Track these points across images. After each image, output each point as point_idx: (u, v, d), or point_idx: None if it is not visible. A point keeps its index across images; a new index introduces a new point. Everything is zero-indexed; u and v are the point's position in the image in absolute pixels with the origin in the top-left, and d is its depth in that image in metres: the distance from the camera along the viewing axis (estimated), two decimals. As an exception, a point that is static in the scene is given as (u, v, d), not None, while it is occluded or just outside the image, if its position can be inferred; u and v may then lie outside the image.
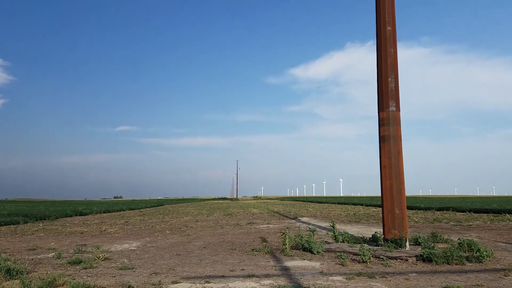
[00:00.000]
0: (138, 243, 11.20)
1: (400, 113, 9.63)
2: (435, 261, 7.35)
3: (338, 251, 8.64)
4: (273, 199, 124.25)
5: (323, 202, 61.24)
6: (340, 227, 15.97)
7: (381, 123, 9.57)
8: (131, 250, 9.80)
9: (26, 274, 6.46)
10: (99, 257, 8.16)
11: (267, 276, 6.29)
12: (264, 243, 10.57)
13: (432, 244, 8.68)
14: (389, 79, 9.57)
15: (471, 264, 7.34)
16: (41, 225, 19.24)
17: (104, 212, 32.68)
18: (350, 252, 8.42)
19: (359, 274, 6.35)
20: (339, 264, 7.40)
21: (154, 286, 5.58)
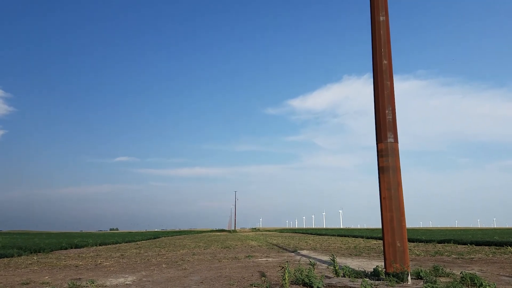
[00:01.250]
0: (134, 277, 10.93)
1: (399, 144, 9.66)
2: (439, 296, 7.17)
3: (339, 286, 8.44)
4: (272, 231, 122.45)
5: (323, 234, 60.37)
6: (340, 260, 15.67)
7: (380, 154, 9.59)
8: (126, 284, 9.54)
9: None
10: (94, 292, 7.93)
11: (266, 312, 6.11)
12: (262, 278, 10.33)
13: (434, 278, 8.48)
14: (387, 111, 9.67)
15: (475, 299, 7.15)
16: (35, 258, 18.82)
17: (100, 245, 32.07)
18: (351, 287, 8.22)
19: (361, 310, 6.17)
20: (340, 300, 7.19)
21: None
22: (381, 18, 10.18)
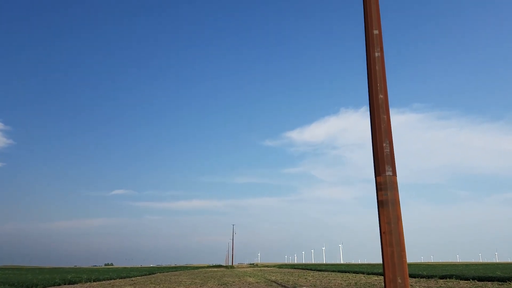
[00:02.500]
0: (128, 316, 10.56)
1: (398, 177, 9.66)
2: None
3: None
4: (270, 266, 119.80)
5: (323, 270, 59.06)
6: (340, 297, 15.24)
7: (379, 188, 9.56)
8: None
9: None
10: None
11: None
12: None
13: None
14: (384, 144, 9.72)
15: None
16: (26, 295, 18.22)
17: (94, 281, 31.23)
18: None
19: None
20: None
21: None
22: (376, 54, 10.44)
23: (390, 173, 9.75)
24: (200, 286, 23.76)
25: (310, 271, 59.34)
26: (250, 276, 39.67)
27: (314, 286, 23.14)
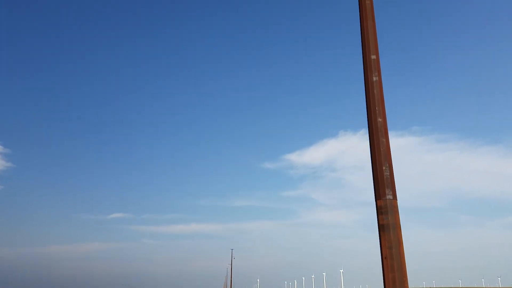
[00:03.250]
0: None
1: (398, 200, 9.61)
2: None
3: None
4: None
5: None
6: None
7: (379, 212, 9.49)
8: None
9: None
10: None
11: None
12: None
13: None
14: (384, 168, 9.72)
15: None
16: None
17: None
18: None
19: None
20: None
21: None
22: (374, 79, 10.57)
23: (391, 197, 9.69)
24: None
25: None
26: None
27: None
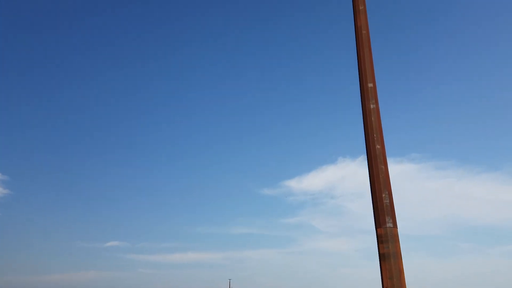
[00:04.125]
0: None
1: (398, 228, 9.48)
2: None
3: None
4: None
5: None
6: None
7: (379, 240, 9.34)
8: None
9: None
10: None
11: None
12: None
13: None
14: (383, 195, 9.64)
15: None
16: None
17: None
18: None
19: None
20: None
21: None
22: (372, 106, 10.65)
23: (391, 225, 9.55)
24: None
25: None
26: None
27: None
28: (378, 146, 10.22)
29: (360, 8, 11.60)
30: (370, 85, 10.89)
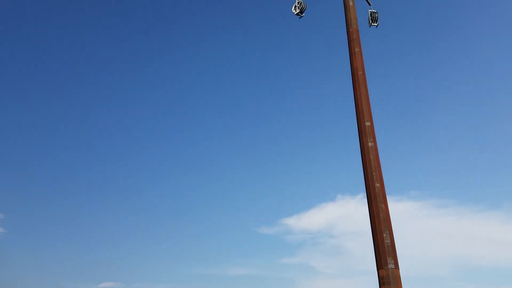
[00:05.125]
0: None
1: (400, 269, 9.24)
2: None
3: None
4: None
5: None
6: None
7: (381, 282, 9.08)
8: None
9: None
10: None
11: None
12: None
13: None
14: (384, 235, 9.47)
15: None
16: None
17: None
18: None
19: None
20: None
21: None
22: (370, 144, 10.70)
23: (393, 266, 9.30)
24: None
25: None
26: None
27: None
28: (377, 184, 10.16)
29: (356, 50, 11.94)
30: (368, 123, 11.00)
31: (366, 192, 10.27)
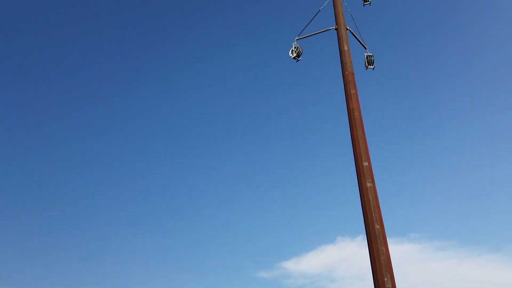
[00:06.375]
0: None
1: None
2: None
3: None
4: None
5: None
6: None
7: (385, 330, 8.70)
8: None
9: None
10: None
11: None
12: None
13: None
14: (385, 279, 9.20)
15: None
16: None
17: None
18: None
19: None
20: None
21: None
22: (369, 185, 10.64)
23: (396, 312, 8.94)
24: None
25: None
26: None
27: None
28: (377, 226, 9.97)
29: (352, 92, 12.15)
30: (366, 163, 10.98)
31: (366, 234, 10.09)
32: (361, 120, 11.52)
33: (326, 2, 13.89)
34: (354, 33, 13.51)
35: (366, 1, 14.74)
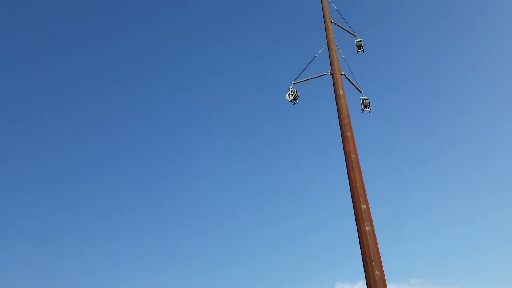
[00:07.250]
0: None
1: None
2: None
3: None
4: None
5: None
6: None
7: None
8: None
9: None
10: None
11: None
12: None
13: None
14: (388, 328, 8.81)
15: None
16: None
17: None
18: None
19: None
20: None
21: None
22: (367, 228, 10.47)
23: None
24: None
25: None
26: None
27: None
28: (377, 272, 9.68)
29: (348, 134, 12.24)
30: (363, 206, 10.84)
31: (366, 280, 9.79)
32: (357, 162, 11.52)
33: (322, 49, 14.34)
34: (349, 78, 13.84)
35: (360, 48, 15.28)
